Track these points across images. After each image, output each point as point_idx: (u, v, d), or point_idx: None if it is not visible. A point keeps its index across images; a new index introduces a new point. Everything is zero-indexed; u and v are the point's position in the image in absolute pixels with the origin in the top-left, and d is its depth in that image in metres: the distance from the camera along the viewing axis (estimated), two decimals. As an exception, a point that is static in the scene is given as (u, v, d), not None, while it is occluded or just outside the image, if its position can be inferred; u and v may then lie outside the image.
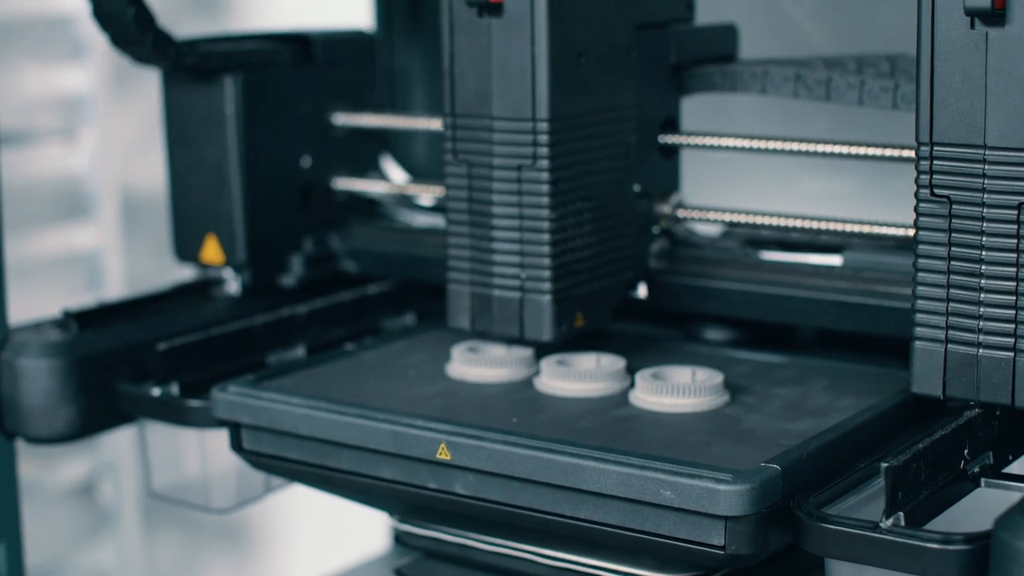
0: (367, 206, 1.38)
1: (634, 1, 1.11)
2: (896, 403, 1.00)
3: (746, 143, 1.15)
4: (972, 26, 0.89)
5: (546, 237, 1.06)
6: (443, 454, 0.97)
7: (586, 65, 1.07)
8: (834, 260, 1.13)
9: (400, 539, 1.11)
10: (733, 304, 1.15)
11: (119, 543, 2.33)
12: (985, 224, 0.90)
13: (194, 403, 1.11)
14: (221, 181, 1.26)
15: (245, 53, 1.26)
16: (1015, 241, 0.89)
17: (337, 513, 1.87)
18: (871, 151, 1.09)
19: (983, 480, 0.92)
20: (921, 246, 0.93)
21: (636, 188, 1.14)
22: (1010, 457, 0.95)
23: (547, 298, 1.07)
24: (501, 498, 0.96)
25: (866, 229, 1.10)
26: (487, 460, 0.95)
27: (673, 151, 1.20)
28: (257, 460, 1.07)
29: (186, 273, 1.35)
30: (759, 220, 1.15)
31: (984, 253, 0.90)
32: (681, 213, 1.19)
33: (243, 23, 2.27)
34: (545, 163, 1.06)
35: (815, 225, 1.13)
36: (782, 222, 1.14)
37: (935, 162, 0.91)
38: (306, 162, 1.32)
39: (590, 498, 0.92)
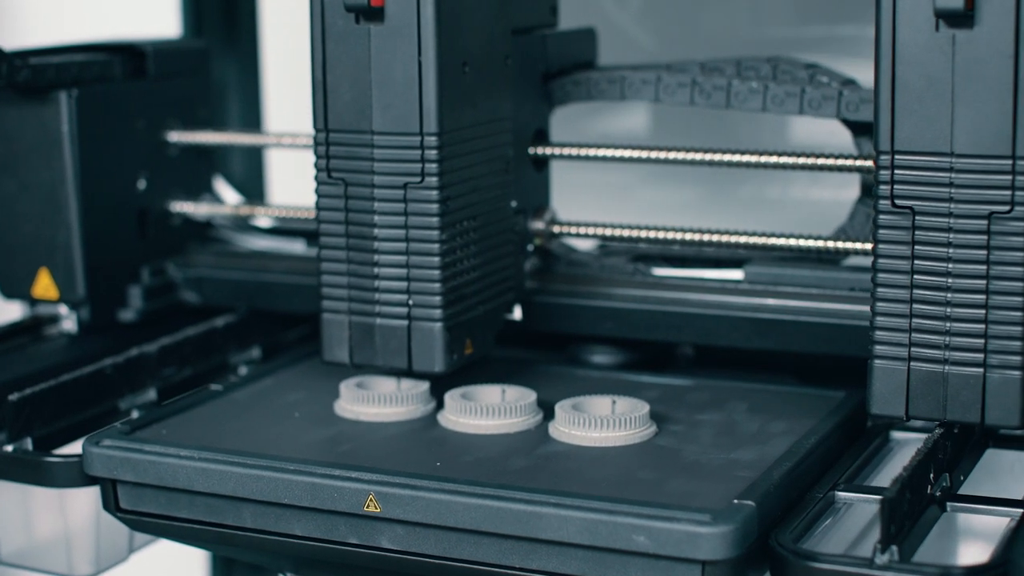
0: (201, 230, 1.23)
1: (508, 5, 1.00)
2: (833, 426, 0.92)
3: (623, 153, 1.06)
4: (937, 28, 0.81)
5: (436, 260, 0.95)
6: (372, 506, 0.84)
7: (470, 74, 0.96)
8: (735, 274, 1.05)
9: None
10: (628, 324, 1.05)
11: None
12: (952, 236, 0.83)
13: (57, 459, 0.95)
14: (56, 208, 1.10)
15: (77, 66, 1.09)
16: (985, 252, 0.82)
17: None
18: (743, 158, 1.02)
19: (948, 504, 0.85)
20: (881, 260, 0.85)
21: (513, 204, 1.04)
22: (962, 478, 0.89)
23: (438, 326, 0.95)
24: (436, 551, 0.84)
25: (760, 241, 1.03)
26: (424, 511, 0.83)
27: (544, 163, 1.10)
28: (137, 521, 0.92)
29: (13, 311, 1.18)
30: (639, 235, 1.06)
31: (952, 266, 0.83)
32: (556, 229, 1.09)
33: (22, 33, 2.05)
34: (434, 180, 0.94)
35: (698, 238, 1.04)
36: (663, 235, 1.05)
37: (897, 171, 0.83)
38: (142, 184, 1.16)
39: (543, 547, 0.81)
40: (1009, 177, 0.81)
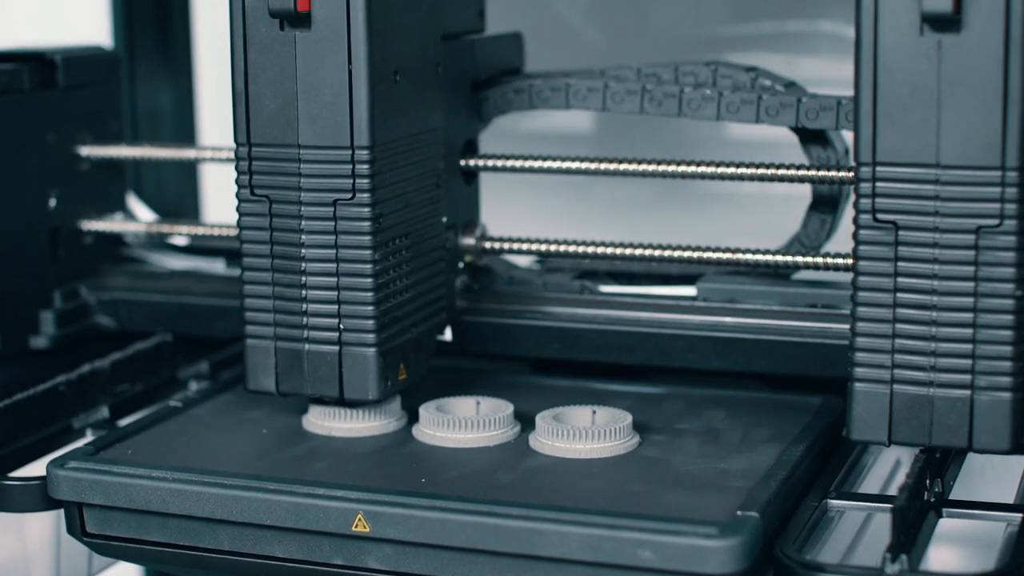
0: (113, 249, 1.17)
1: (438, 10, 0.96)
2: (818, 433, 0.90)
3: (555, 164, 1.02)
4: (921, 32, 0.78)
5: (368, 282, 0.89)
6: (360, 526, 0.80)
7: (402, 83, 0.91)
8: (688, 291, 1.02)
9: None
10: (577, 345, 1.02)
11: None
12: (938, 251, 0.79)
13: (17, 483, 0.89)
14: None
15: None
16: (973, 268, 0.78)
17: None
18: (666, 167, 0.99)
19: (944, 510, 0.83)
20: (862, 277, 0.81)
21: (444, 220, 0.99)
22: (951, 483, 0.87)
23: (371, 351, 0.89)
24: (428, 570, 0.80)
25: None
26: (417, 530, 0.79)
27: (473, 176, 1.05)
28: (105, 545, 0.87)
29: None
30: (572, 250, 1.02)
31: (937, 283, 0.79)
32: (487, 245, 1.05)
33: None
34: (366, 197, 0.88)
35: (641, 253, 1.00)
36: (602, 251, 1.01)
37: (879, 184, 0.79)
38: (52, 202, 1.09)
39: (542, 564, 0.78)
40: (998, 189, 0.78)
